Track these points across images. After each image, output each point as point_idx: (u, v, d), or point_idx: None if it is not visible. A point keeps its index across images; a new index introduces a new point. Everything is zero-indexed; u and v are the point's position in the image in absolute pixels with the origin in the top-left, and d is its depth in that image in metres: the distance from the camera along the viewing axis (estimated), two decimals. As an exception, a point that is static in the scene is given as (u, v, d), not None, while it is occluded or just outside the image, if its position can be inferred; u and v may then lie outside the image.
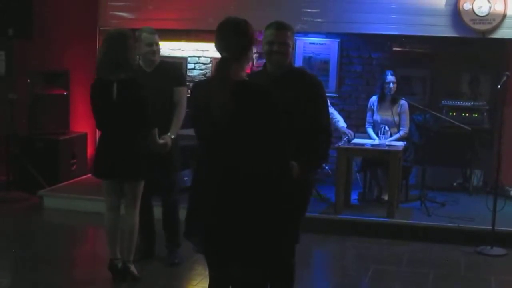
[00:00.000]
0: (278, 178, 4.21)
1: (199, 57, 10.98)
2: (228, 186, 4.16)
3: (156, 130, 6.45)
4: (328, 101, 5.39)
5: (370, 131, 9.47)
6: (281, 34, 4.91)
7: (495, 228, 7.99)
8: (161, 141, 6.60)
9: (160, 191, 7.09)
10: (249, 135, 4.12)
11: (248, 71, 4.91)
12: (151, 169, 6.52)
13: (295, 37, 10.43)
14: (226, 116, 4.12)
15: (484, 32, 9.45)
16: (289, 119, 4.56)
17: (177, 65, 10.22)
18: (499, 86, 8.29)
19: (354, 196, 9.46)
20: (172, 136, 6.78)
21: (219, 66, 4.22)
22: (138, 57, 6.81)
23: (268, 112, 4.13)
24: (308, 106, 4.90)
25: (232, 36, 4.24)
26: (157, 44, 7.01)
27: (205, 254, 4.48)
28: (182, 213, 7.01)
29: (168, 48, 10.75)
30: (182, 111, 6.98)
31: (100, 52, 6.52)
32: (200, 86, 4.68)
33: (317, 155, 5.06)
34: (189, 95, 6.41)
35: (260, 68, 5.50)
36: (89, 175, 10.37)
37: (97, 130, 9.92)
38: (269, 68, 5.02)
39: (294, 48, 5.07)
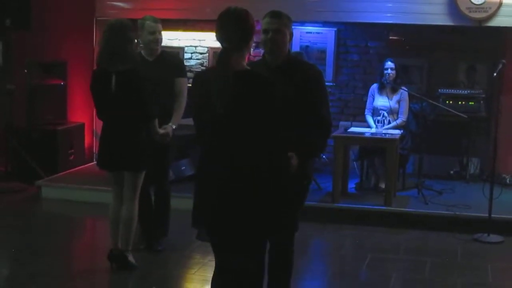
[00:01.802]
0: (277, 168, 4.23)
1: (196, 46, 11.00)
2: (230, 175, 4.18)
3: (156, 121, 6.48)
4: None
5: (369, 118, 9.47)
6: (276, 22, 4.92)
7: (492, 215, 8.04)
8: (162, 131, 6.63)
9: (153, 181, 7.12)
10: (250, 124, 4.13)
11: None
12: (150, 160, 6.54)
13: (293, 27, 10.56)
14: (227, 106, 4.14)
15: (480, 21, 9.45)
16: (289, 109, 4.57)
17: (178, 56, 10.26)
18: (495, 74, 8.31)
19: (351, 185, 9.49)
20: (174, 126, 6.81)
21: (221, 56, 4.22)
22: (140, 45, 6.83)
23: (269, 101, 4.14)
24: (308, 96, 4.92)
25: (233, 26, 4.24)
26: (160, 33, 7.04)
27: (211, 242, 4.50)
28: (174, 203, 7.18)
29: (166, 38, 10.73)
30: (183, 102, 7.00)
31: (101, 42, 6.53)
32: (201, 76, 4.69)
33: (316, 145, 5.08)
34: (190, 85, 6.44)
35: (258, 58, 5.50)
36: (87, 165, 10.42)
37: (95, 120, 9.99)
38: (267, 57, 5.04)
39: (291, 37, 5.08)
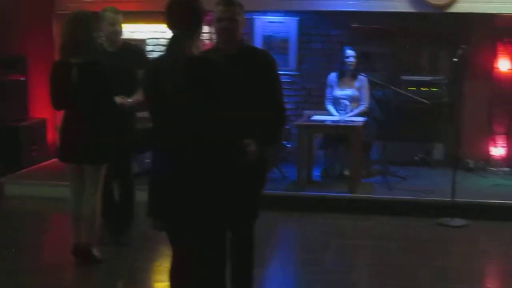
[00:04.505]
0: (232, 154, 4.22)
1: (158, 38, 10.93)
2: (184, 162, 4.16)
3: (115, 98, 6.47)
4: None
5: (331, 107, 9.48)
6: (229, 10, 4.89)
7: (455, 199, 8.10)
8: (118, 101, 6.58)
9: (117, 174, 7.08)
10: (203, 110, 4.12)
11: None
12: (113, 153, 6.50)
13: (255, 16, 10.56)
14: (181, 92, 4.12)
15: (442, 7, 9.49)
16: (244, 96, 4.55)
17: (140, 47, 10.18)
18: (455, 60, 8.36)
19: (316, 173, 9.50)
20: (129, 100, 6.74)
21: (171, 42, 4.23)
22: (101, 37, 6.79)
23: (222, 87, 4.13)
24: (263, 82, 4.91)
25: (182, 13, 4.24)
26: (120, 24, 7.01)
27: (166, 231, 4.48)
28: (138, 195, 7.14)
29: (128, 30, 10.67)
30: None
31: (63, 34, 6.48)
32: (154, 63, 4.67)
33: (273, 131, 5.09)
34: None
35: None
36: (50, 161, 10.31)
37: (57, 115, 9.87)
38: (221, 45, 5.02)
39: (244, 25, 5.05)
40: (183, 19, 4.24)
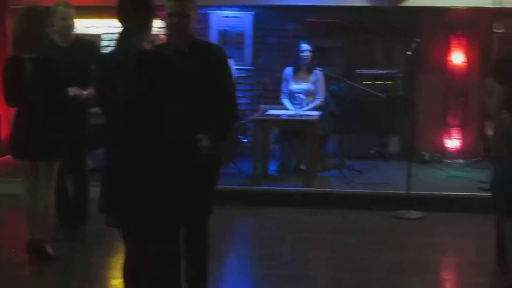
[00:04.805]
0: (186, 149, 4.21)
1: (113, 33, 10.82)
2: (135, 158, 4.14)
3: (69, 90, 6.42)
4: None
5: (286, 101, 9.48)
6: (180, 5, 4.86)
7: (411, 192, 8.15)
8: (73, 93, 6.52)
9: (71, 169, 7.02)
10: (154, 105, 4.10)
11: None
12: (66, 149, 6.45)
13: (210, 11, 10.53)
14: (132, 87, 4.09)
15: (396, 1, 9.55)
16: (197, 91, 4.54)
17: (94, 42, 10.08)
18: (409, 53, 8.41)
19: (273, 167, 9.50)
20: (84, 92, 6.67)
21: (122, 37, 4.21)
22: (53, 32, 6.72)
23: (173, 81, 4.11)
24: (215, 77, 4.90)
25: (133, 7, 4.22)
26: (72, 19, 6.96)
27: (119, 227, 4.44)
28: (92, 191, 7.08)
29: (82, 25, 10.58)
30: None
31: (15, 29, 6.40)
32: (105, 58, 4.63)
33: (226, 126, 5.08)
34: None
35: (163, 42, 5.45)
36: (5, 157, 10.18)
37: (11, 111, 9.73)
38: (172, 40, 5.00)
39: (196, 20, 5.03)
40: (133, 14, 4.22)
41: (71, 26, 6.97)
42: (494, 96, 5.53)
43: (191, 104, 4.23)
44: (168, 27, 4.95)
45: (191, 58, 4.76)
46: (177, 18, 4.85)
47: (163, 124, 4.11)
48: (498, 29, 10.04)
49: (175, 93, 4.12)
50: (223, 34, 10.69)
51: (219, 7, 10.59)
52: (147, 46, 4.22)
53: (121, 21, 4.23)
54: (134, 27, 4.19)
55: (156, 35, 4.67)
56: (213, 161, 4.98)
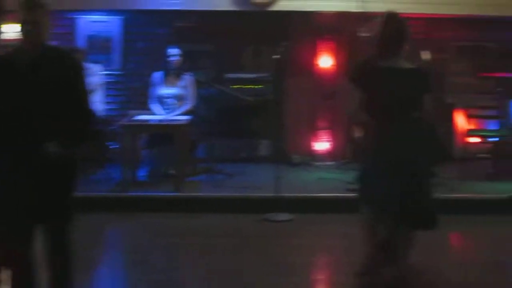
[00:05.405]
0: (24, 151, 4.14)
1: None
2: None
3: None
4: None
5: (155, 106, 9.42)
6: (31, 13, 4.81)
7: (280, 194, 8.22)
8: None
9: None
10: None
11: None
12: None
13: (77, 16, 10.35)
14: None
15: (263, 5, 9.63)
16: (46, 98, 4.52)
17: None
18: (277, 57, 8.49)
19: (143, 173, 9.42)
20: None
21: None
22: None
23: (18, 85, 4.04)
24: (67, 85, 4.83)
25: None
26: None
27: None
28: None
29: None
30: None
31: None
32: None
33: (77, 133, 5.00)
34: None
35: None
36: None
37: None
38: (25, 47, 4.90)
39: (49, 26, 4.94)
40: None
41: None
42: (354, 100, 5.61)
43: (38, 111, 4.13)
44: (22, 34, 4.86)
45: (43, 65, 4.73)
46: (29, 25, 4.79)
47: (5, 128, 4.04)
48: (363, 33, 10.25)
49: (18, 100, 4.05)
50: (91, 39, 10.53)
51: (87, 11, 10.42)
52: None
53: None
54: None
55: (10, 39, 4.54)
56: (67, 167, 4.89)
